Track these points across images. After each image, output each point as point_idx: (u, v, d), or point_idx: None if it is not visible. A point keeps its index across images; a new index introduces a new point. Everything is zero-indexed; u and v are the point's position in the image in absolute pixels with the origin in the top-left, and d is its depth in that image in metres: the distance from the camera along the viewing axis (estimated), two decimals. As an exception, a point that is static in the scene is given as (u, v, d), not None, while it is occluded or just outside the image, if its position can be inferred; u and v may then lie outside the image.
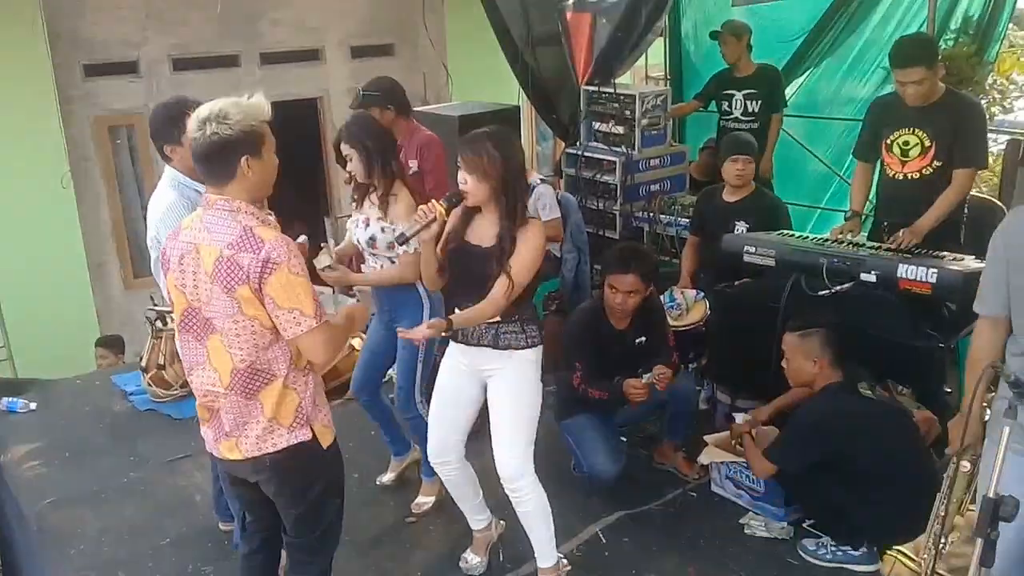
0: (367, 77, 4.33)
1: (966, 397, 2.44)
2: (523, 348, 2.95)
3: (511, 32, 6.01)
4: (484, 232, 2.92)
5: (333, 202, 8.01)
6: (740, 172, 4.41)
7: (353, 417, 3.97)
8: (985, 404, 2.53)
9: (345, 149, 3.34)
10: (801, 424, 3.30)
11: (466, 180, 2.84)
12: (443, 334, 2.90)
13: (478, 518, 3.28)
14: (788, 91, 6.17)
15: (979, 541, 2.08)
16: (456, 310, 2.95)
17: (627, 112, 5.68)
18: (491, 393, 3.00)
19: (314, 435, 2.43)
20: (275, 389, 2.36)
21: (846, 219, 4.16)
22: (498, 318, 2.91)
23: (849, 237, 3.99)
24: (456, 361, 3.09)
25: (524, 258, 2.84)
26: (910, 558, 3.27)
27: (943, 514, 2.58)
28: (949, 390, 3.91)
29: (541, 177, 5.37)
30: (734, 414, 3.74)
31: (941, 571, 3.11)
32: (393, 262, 3.35)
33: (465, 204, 2.89)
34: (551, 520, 3.03)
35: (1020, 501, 2.20)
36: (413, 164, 4.13)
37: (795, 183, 6.31)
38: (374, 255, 3.41)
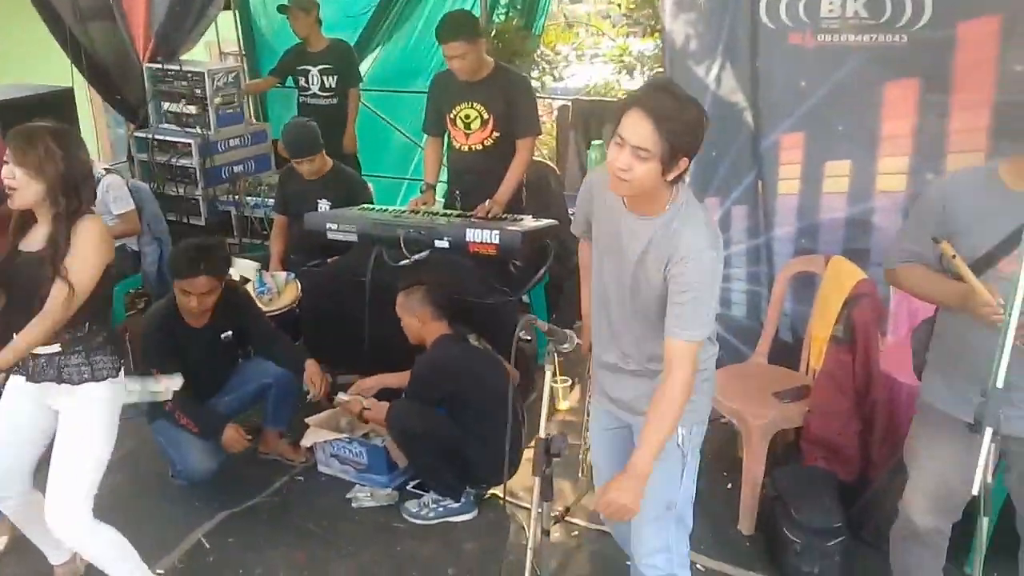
0: None
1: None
2: (87, 382, 2.62)
3: (53, 4, 5.38)
4: (37, 237, 2.57)
5: None
6: (299, 165, 4.44)
7: None
8: None
9: None
10: (421, 374, 3.45)
11: (14, 175, 2.47)
12: None
13: (56, 552, 2.93)
14: (363, 66, 6.27)
15: (537, 479, 2.31)
16: (14, 335, 2.58)
17: (198, 90, 5.41)
18: (57, 430, 2.65)
19: None
20: None
21: (421, 191, 4.34)
22: (57, 347, 2.58)
23: (424, 208, 4.18)
24: (21, 389, 2.70)
25: (83, 256, 2.51)
26: (511, 502, 3.53)
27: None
28: (529, 338, 4.31)
29: (107, 167, 4.91)
30: (339, 393, 3.75)
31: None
32: None
33: (9, 205, 2.52)
34: (128, 553, 2.75)
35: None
36: None
37: (381, 156, 6.47)
38: None
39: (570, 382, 4.32)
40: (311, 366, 3.67)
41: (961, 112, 3.39)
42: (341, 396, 3.67)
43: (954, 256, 2.11)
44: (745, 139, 3.66)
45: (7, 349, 2.55)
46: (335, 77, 5.67)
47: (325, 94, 5.71)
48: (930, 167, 3.48)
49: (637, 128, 2.04)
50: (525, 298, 4.26)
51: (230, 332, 3.66)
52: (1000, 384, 1.92)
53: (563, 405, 4.26)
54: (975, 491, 1.91)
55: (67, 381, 2.62)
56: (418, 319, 3.52)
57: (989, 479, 1.92)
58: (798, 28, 3.49)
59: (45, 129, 2.53)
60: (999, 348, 1.93)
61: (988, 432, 1.91)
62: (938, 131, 3.43)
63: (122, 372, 2.73)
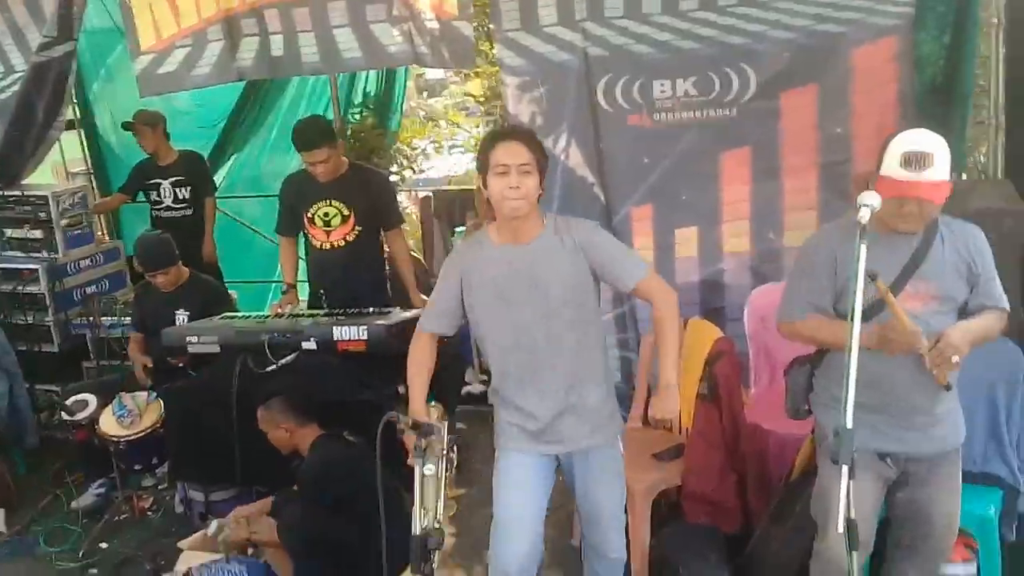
0: None
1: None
2: None
3: None
4: None
5: None
6: (154, 278, 4.33)
7: None
8: None
9: None
10: (309, 478, 3.34)
11: None
12: None
13: None
14: (220, 174, 6.20)
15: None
16: None
17: (42, 214, 5.19)
18: None
19: None
20: None
21: (282, 293, 4.27)
22: None
23: (289, 310, 4.09)
24: None
25: None
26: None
27: None
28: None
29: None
30: (213, 521, 3.55)
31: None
32: None
33: None
34: None
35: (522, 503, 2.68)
36: None
37: (245, 262, 6.34)
38: None
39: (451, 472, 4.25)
40: None
41: (791, 175, 3.64)
42: (215, 523, 3.49)
43: (887, 292, 2.29)
44: (599, 212, 3.79)
45: None
46: (189, 188, 5.57)
47: (179, 206, 5.58)
48: (770, 227, 3.70)
49: (512, 151, 2.48)
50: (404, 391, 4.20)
51: None
52: (850, 425, 2.00)
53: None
54: (839, 528, 1.97)
55: None
56: (284, 429, 3.43)
57: (852, 514, 1.98)
58: (635, 110, 3.69)
59: None
60: (844, 388, 2.03)
61: (844, 469, 1.98)
62: (772, 193, 3.66)
63: None
